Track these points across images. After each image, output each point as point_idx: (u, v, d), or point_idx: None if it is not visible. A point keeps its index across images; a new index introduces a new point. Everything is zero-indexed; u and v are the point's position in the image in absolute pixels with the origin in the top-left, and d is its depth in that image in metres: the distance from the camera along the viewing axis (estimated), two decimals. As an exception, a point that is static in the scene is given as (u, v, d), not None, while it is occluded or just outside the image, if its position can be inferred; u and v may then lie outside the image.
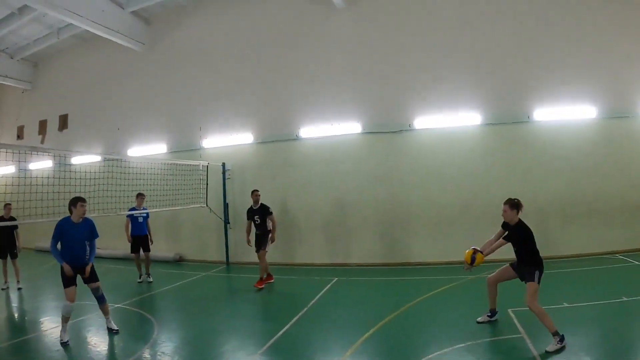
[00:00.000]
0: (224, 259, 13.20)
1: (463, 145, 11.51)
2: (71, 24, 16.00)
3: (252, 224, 10.05)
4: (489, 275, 6.60)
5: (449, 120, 11.54)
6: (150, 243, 11.29)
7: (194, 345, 6.35)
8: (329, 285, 9.69)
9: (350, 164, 12.24)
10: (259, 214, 9.98)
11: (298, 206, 12.68)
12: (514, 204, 6.01)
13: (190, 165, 12.42)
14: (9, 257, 10.66)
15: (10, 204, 10.11)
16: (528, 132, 11.24)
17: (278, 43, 13.32)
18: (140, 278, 11.11)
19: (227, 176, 13.24)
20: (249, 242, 10.12)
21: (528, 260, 5.87)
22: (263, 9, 13.71)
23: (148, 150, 15.10)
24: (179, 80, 14.94)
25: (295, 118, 12.88)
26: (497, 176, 11.17)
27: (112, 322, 6.96)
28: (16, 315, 8.65)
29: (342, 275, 10.71)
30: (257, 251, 9.93)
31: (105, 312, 6.94)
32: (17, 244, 10.69)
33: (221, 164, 13.19)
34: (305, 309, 7.80)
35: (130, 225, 11.11)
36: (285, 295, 9.60)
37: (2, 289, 10.41)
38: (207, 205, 12.51)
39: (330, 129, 12.48)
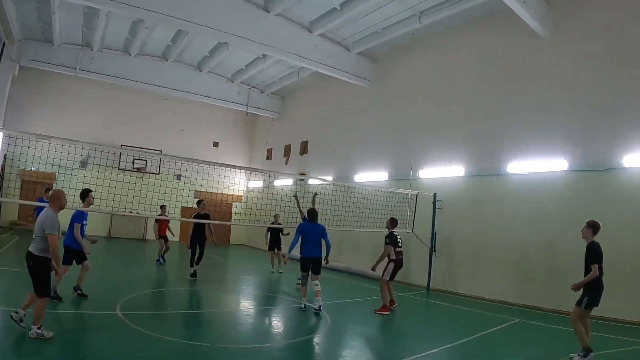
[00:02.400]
0: (425, 284, 13.91)
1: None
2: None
3: (394, 249, 10.09)
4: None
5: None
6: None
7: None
8: (506, 324, 9.47)
9: (555, 203, 11.45)
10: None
11: (497, 242, 12.58)
12: (590, 224, 6.66)
13: (402, 193, 13.81)
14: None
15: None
16: None
17: (483, 77, 13.71)
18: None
19: (437, 206, 14.12)
20: (374, 268, 10.15)
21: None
22: (469, 45, 14.38)
23: (372, 176, 17.05)
24: (397, 113, 16.60)
25: (502, 152, 12.90)
26: None
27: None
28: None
29: (528, 318, 10.14)
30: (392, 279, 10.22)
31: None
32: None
33: (432, 194, 14.15)
34: (463, 340, 7.86)
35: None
36: (452, 322, 9.91)
37: (272, 272, 15.34)
38: (413, 232, 13.72)
39: (535, 165, 12.06)
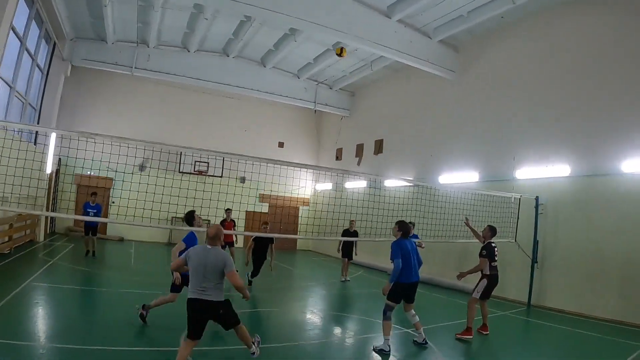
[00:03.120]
0: (526, 300, 12.27)
1: None
2: (381, 57, 17.74)
3: (489, 263, 8.75)
4: None
5: None
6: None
7: None
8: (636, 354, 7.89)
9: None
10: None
11: (611, 251, 10.82)
12: None
13: (501, 197, 12.01)
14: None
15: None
16: None
17: (595, 62, 11.86)
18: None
19: (539, 211, 12.34)
20: (461, 277, 9.09)
21: None
22: (573, 26, 12.60)
23: (459, 177, 15.40)
24: (489, 107, 14.88)
25: (617, 148, 11.06)
26: None
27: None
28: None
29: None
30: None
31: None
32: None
33: (534, 197, 12.38)
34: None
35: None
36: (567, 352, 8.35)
37: (342, 281, 14.53)
38: (515, 241, 11.90)
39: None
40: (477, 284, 8.77)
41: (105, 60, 18.81)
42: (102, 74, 20.42)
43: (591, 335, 9.31)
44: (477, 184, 14.48)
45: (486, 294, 8.76)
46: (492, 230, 9.09)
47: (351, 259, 14.98)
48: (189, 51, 19.73)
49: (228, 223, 14.04)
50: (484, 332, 8.71)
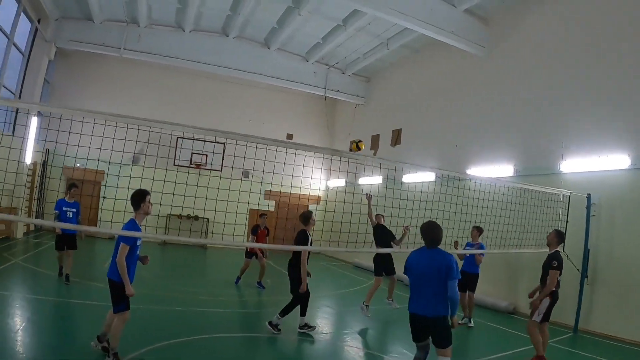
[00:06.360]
0: (571, 323, 9.99)
1: None
2: (399, 32, 16.12)
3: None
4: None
5: None
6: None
7: None
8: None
9: None
10: None
11: None
12: None
13: (545, 193, 9.77)
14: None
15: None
16: None
17: None
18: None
19: (591, 213, 10.05)
20: (536, 305, 7.30)
21: None
22: None
23: (490, 171, 13.22)
24: (526, 87, 12.67)
25: None
26: None
27: None
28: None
29: None
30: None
31: None
32: None
33: (585, 195, 10.09)
34: None
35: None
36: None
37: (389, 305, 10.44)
38: (563, 251, 9.64)
39: None
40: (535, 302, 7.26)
41: (92, 41, 17.46)
42: (93, 58, 19.20)
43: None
44: (511, 179, 12.18)
45: (547, 316, 7.24)
46: (559, 236, 7.73)
47: (392, 273, 10.57)
48: (184, 31, 18.22)
49: (262, 231, 12.10)
50: None
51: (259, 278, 12.32)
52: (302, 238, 8.07)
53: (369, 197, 10.23)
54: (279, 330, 7.93)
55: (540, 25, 12.64)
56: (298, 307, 8.06)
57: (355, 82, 21.34)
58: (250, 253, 12.29)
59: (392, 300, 10.39)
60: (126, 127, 5.82)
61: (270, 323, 7.99)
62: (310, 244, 8.12)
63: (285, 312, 7.97)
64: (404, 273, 5.51)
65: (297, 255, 8.11)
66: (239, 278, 12.38)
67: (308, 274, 8.01)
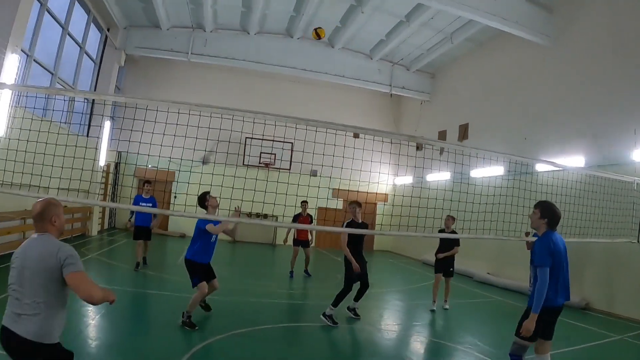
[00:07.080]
0: (641, 318, 9.44)
1: None
2: (463, 26, 15.85)
3: None
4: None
5: None
6: None
7: None
8: None
9: None
10: None
11: None
12: None
13: (616, 182, 9.30)
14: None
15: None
16: None
17: None
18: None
19: (669, 202, 9.42)
20: None
21: None
22: None
23: (562, 163, 12.51)
24: (595, 76, 12.01)
25: None
26: None
27: None
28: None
29: None
30: None
31: None
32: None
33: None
34: None
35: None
36: None
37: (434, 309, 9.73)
38: (638, 242, 9.17)
39: None
40: None
41: (160, 47, 18.40)
42: (160, 63, 20.28)
43: None
44: (582, 171, 11.62)
45: None
46: None
47: (450, 275, 10.23)
48: (248, 33, 18.77)
49: (304, 218, 12.41)
50: None
51: (305, 266, 12.86)
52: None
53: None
54: (358, 316, 8.45)
55: (608, 8, 11.97)
56: (353, 293, 8.25)
57: (420, 78, 21.06)
58: (297, 241, 12.72)
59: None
60: (197, 127, 6.36)
61: (348, 308, 8.49)
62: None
63: (343, 299, 8.02)
64: (541, 262, 4.53)
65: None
66: (292, 272, 12.62)
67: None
